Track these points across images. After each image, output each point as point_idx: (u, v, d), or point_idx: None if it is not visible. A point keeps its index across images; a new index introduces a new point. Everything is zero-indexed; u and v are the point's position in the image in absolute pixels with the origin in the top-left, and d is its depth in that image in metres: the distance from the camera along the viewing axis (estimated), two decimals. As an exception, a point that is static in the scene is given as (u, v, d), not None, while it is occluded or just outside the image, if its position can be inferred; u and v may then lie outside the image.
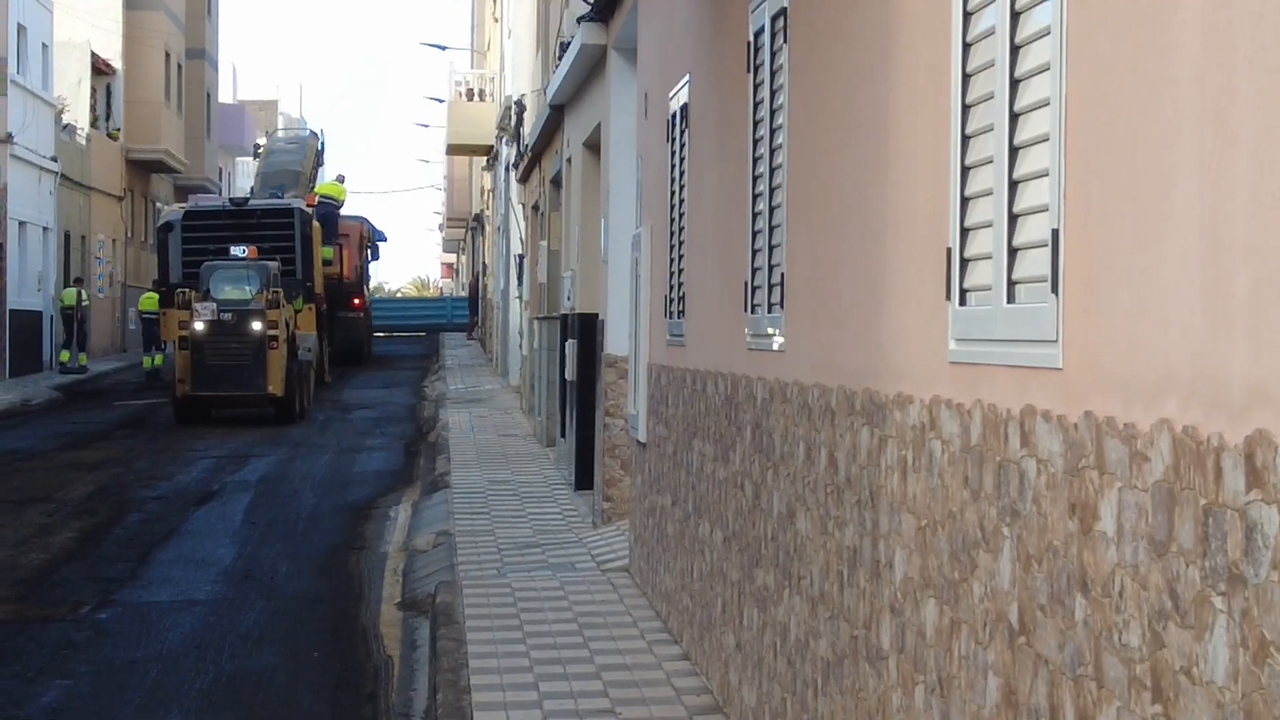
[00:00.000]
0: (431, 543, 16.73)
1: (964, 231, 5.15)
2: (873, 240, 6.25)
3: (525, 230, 32.14)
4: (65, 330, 45.97)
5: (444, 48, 57.78)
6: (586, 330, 19.47)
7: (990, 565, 4.81)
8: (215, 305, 31.25)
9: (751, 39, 8.65)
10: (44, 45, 46.64)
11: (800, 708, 7.32)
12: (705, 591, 10.03)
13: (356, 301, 50.85)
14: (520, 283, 32.83)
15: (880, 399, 6.06)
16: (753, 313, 8.64)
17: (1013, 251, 4.72)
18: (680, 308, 11.32)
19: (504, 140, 38.52)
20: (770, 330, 8.12)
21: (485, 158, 50.68)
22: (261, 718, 10.71)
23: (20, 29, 43.81)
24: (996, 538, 4.76)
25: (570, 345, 20.26)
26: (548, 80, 25.26)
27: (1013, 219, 4.72)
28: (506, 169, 39.97)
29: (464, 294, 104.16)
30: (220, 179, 76.39)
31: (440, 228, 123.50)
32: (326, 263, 44.20)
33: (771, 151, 8.21)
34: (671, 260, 11.81)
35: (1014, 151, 4.72)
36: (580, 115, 19.81)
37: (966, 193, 5.13)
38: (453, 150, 50.79)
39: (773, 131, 8.20)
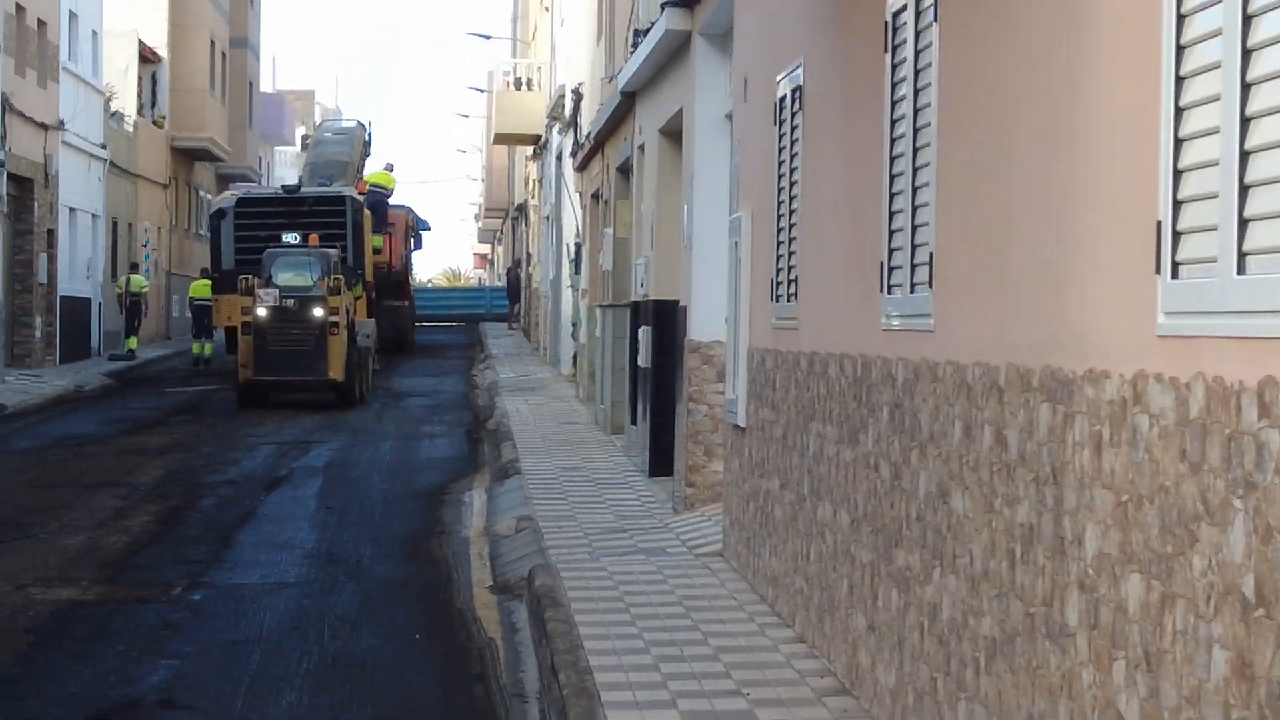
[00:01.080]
0: (513, 528, 16.72)
1: (1176, 204, 5.12)
2: (1053, 216, 6.22)
3: (582, 219, 32.12)
4: (129, 316, 46.19)
5: (488, 37, 57.62)
6: (663, 317, 19.46)
7: (1216, 539, 4.78)
8: (278, 292, 31.49)
9: (890, 19, 8.62)
10: (94, 32, 46.73)
11: (956, 686, 7.29)
12: (826, 574, 10.00)
13: (402, 290, 50.91)
14: (577, 271, 32.81)
15: (1065, 375, 6.03)
16: (890, 293, 8.61)
17: (1243, 223, 4.69)
18: (791, 290, 11.30)
19: (556, 129, 38.49)
20: (915, 311, 8.09)
21: (532, 147, 50.63)
22: (374, 698, 10.68)
23: (71, 16, 43.89)
24: (1225, 510, 4.72)
25: (644, 332, 20.25)
26: (612, 68, 25.27)
27: (1244, 190, 4.69)
28: (559, 158, 39.97)
29: (500, 284, 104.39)
30: (260, 168, 76.51)
31: (476, 218, 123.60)
32: (375, 251, 44.23)
33: (915, 131, 8.18)
34: (779, 244, 11.78)
35: (1245, 122, 4.68)
36: (656, 102, 19.78)
37: (1180, 165, 5.10)
38: (500, 140, 50.77)
39: (916, 111, 8.16)
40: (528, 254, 56.96)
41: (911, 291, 8.18)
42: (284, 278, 32.03)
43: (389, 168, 49.67)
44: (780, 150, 11.75)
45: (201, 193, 64.50)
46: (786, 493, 11.29)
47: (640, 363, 20.50)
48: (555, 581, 12.81)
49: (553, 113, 40.56)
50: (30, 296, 40.33)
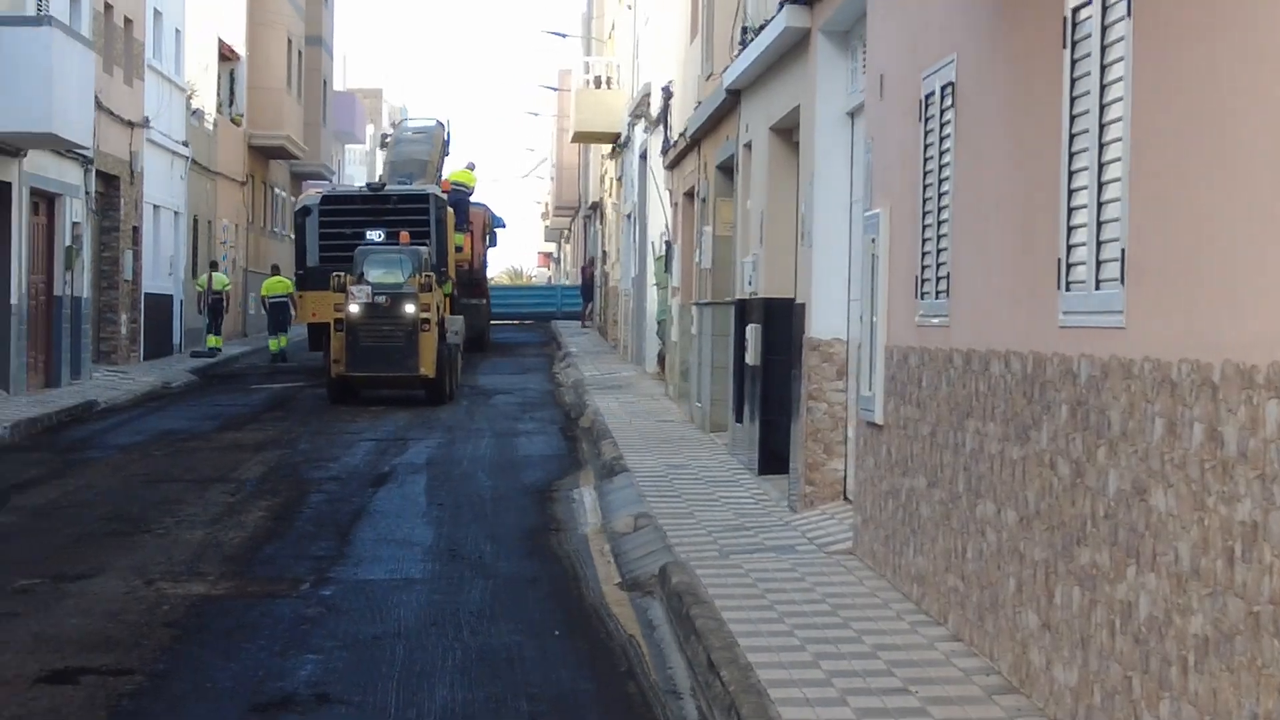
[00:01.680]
0: (632, 525, 16.72)
1: None
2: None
3: (672, 217, 32.11)
4: (211, 314, 46.53)
5: (565, 35, 57.69)
6: (774, 314, 19.47)
7: None
8: (370, 288, 31.70)
9: (1069, 14, 8.58)
10: (176, 31, 46.96)
11: (1158, 685, 7.26)
12: (988, 572, 9.97)
13: (480, 288, 51.05)
14: (667, 269, 32.81)
15: (1299, 371, 5.99)
16: (1068, 290, 8.57)
17: None
18: (941, 288, 11.27)
19: (640, 127, 38.49)
20: (1101, 308, 8.05)
21: (611, 145, 50.65)
22: (527, 693, 10.69)
23: (156, 14, 44.11)
24: None
25: (752, 330, 20.24)
26: (710, 66, 25.25)
27: None
28: (642, 156, 39.98)
29: (564, 281, 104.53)
30: (332, 166, 76.79)
31: (543, 216, 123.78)
32: (457, 249, 44.38)
33: (1101, 126, 8.14)
34: (925, 240, 11.76)
35: None
36: (766, 99, 19.76)
37: None
38: (578, 138, 50.84)
39: (1103, 106, 8.13)
40: (603, 252, 56.99)
41: (1097, 288, 8.14)
42: (376, 275, 32.33)
43: (470, 166, 49.82)
44: (926, 147, 11.72)
45: (277, 190, 64.77)
46: (936, 490, 11.26)
47: (748, 360, 20.49)
48: (693, 579, 12.81)
49: (636, 111, 40.56)
50: (116, 293, 40.56)
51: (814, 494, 16.56)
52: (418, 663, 11.53)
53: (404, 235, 36.31)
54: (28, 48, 28.60)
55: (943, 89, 11.28)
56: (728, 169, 24.22)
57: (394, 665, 11.46)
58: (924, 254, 11.76)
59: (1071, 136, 8.55)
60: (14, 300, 31.64)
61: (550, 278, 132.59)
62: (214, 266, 48.44)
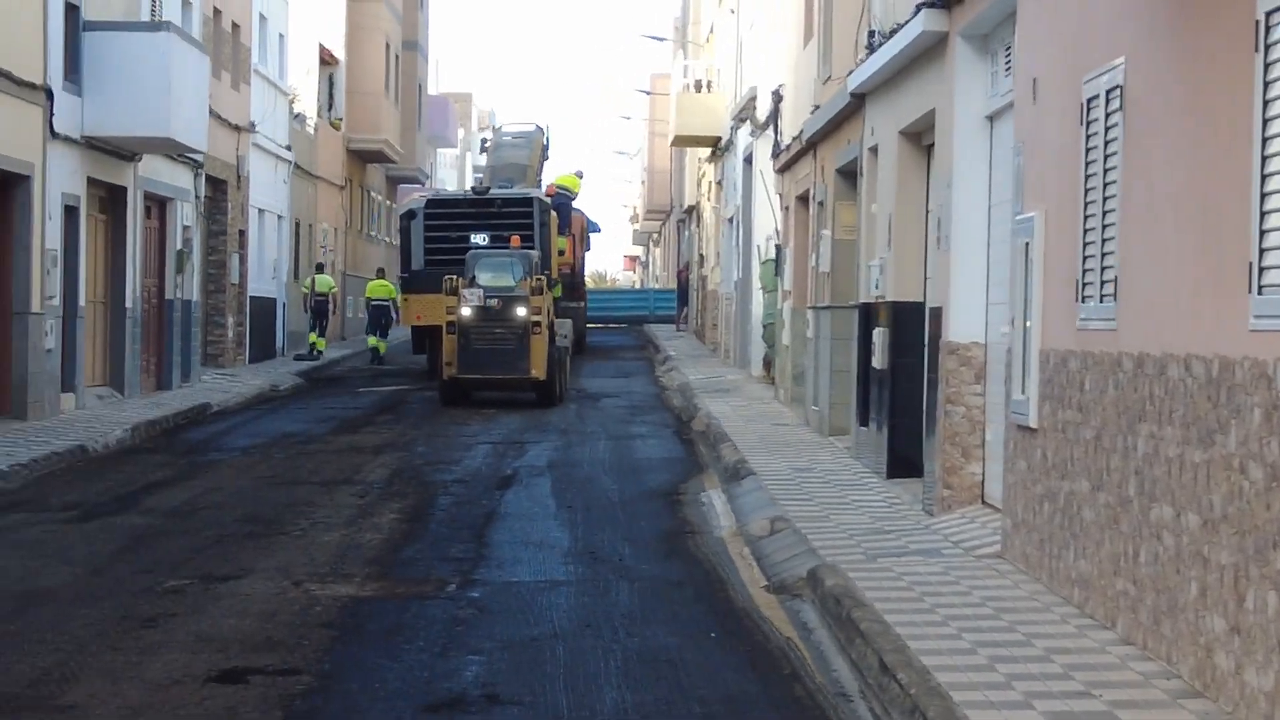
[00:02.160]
0: (768, 528, 16.75)
1: None
2: None
3: (783, 220, 32.11)
4: (315, 316, 46.95)
5: (663, 39, 57.73)
6: (903, 318, 19.48)
7: None
8: (482, 292, 31.93)
9: (1262, 18, 8.57)
10: (280, 35, 47.27)
11: (1372, 690, 7.24)
12: (1165, 576, 9.95)
13: (578, 291, 51.20)
14: (777, 273, 32.81)
15: None
16: (1261, 294, 8.56)
17: None
18: (1106, 291, 11.25)
19: (748, 131, 38.51)
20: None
21: (711, 149, 50.68)
22: (696, 695, 10.73)
23: (261, 19, 44.43)
24: None
25: (880, 333, 20.24)
26: (829, 69, 25.25)
27: None
28: (748, 160, 40.00)
29: (654, 285, 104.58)
30: (427, 170, 77.13)
31: (631, 220, 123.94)
32: (560, 253, 44.50)
33: (1299, 130, 8.13)
34: (1086, 244, 11.74)
35: None
36: (895, 103, 19.75)
37: None
38: (678, 142, 50.90)
39: (1302, 109, 8.11)
40: (700, 256, 57.01)
41: (1296, 292, 8.13)
42: (487, 278, 32.60)
43: (579, 174, 49.96)
44: (1088, 150, 11.70)
45: (373, 194, 65.11)
46: (1102, 494, 11.24)
47: (875, 364, 20.48)
48: (847, 582, 12.83)
49: (740, 114, 40.58)
50: (223, 296, 40.88)
51: (951, 498, 16.55)
52: (580, 664, 11.59)
53: (514, 239, 36.50)
54: (147, 53, 28.88)
55: (1108, 92, 11.26)
56: (848, 173, 24.21)
57: (557, 666, 11.52)
58: (1086, 258, 11.74)
59: (1264, 140, 8.53)
60: (129, 304, 31.95)
61: (635, 282, 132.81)
62: (319, 269, 48.94)
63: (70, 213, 28.66)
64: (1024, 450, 13.42)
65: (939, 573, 13.45)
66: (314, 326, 47.17)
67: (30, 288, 26.65)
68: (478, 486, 21.35)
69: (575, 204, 52.13)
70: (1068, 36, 12.48)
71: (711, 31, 54.18)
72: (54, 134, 27.59)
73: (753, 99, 37.91)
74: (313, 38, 52.52)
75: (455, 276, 33.01)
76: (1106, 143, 11.32)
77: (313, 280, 47.84)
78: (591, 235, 59.57)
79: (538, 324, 32.34)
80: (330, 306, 48.31)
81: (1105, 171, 11.34)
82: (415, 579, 14.96)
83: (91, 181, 29.81)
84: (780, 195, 32.41)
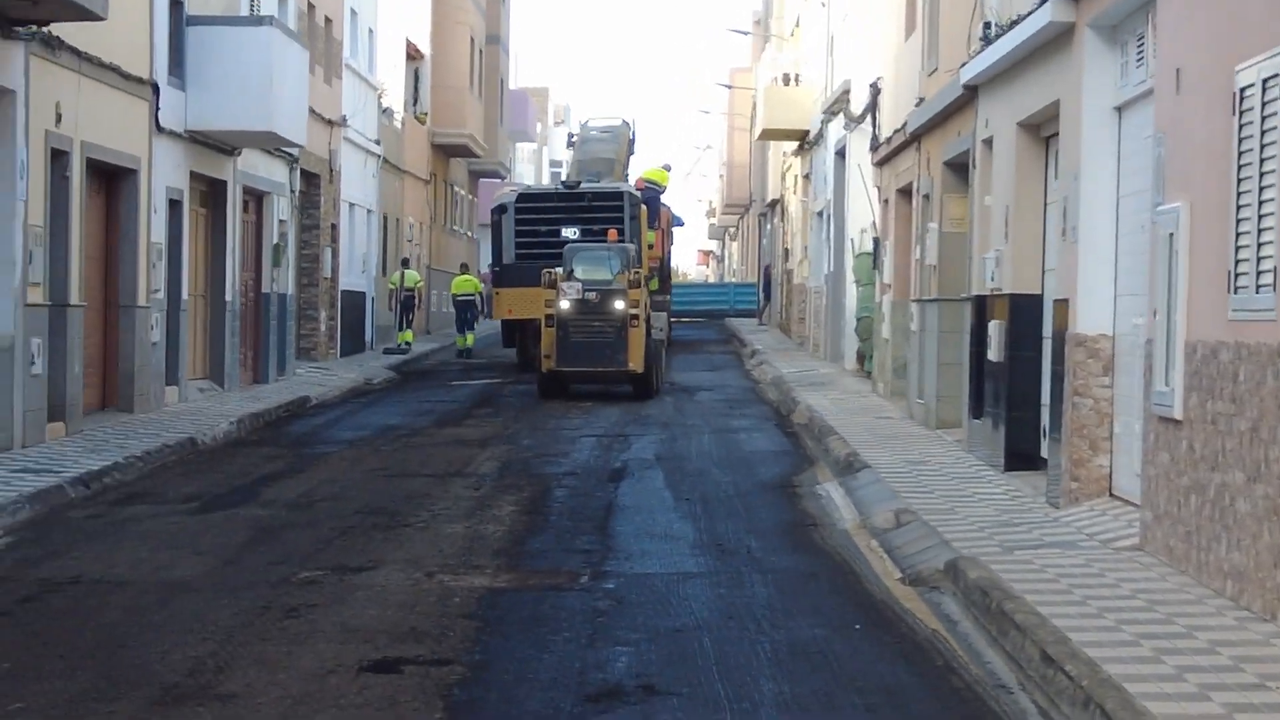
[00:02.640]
0: (893, 521, 16.72)
1: None
2: None
3: (882, 214, 32.03)
4: (402, 310, 47.25)
5: (747, 33, 57.65)
6: (1021, 310, 19.43)
7: None
8: (580, 285, 32.02)
9: None
10: (370, 30, 47.44)
11: None
12: (1334, 568, 9.88)
13: (664, 285, 51.16)
14: (875, 266, 32.73)
15: None
16: None
17: None
18: (1263, 282, 11.18)
19: (841, 124, 38.41)
20: None
21: (798, 142, 50.58)
22: (854, 686, 10.72)
23: (352, 14, 44.58)
24: None
25: (996, 326, 20.18)
26: (934, 62, 25.18)
27: None
28: (839, 153, 39.92)
29: (731, 279, 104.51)
30: (508, 164, 77.26)
31: (708, 214, 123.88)
32: (649, 247, 44.49)
33: None
34: (1240, 235, 11.67)
35: None
36: (1013, 95, 19.67)
37: None
38: (766, 135, 50.83)
39: None
40: (785, 250, 56.93)
41: None
42: (585, 271, 32.66)
43: (667, 167, 50.00)
44: (1242, 140, 11.62)
45: (455, 188, 65.25)
46: (1259, 486, 11.16)
47: (990, 357, 20.42)
48: (991, 574, 12.78)
49: (833, 108, 40.49)
50: (316, 290, 41.04)
51: (1078, 490, 16.47)
52: (729, 655, 11.58)
53: (612, 233, 36.63)
54: (249, 47, 29.02)
55: (1265, 80, 11.19)
56: (956, 165, 24.13)
57: (706, 658, 11.52)
58: (1239, 248, 11.66)
59: None
60: (228, 297, 32.10)
61: (708, 276, 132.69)
62: (405, 264, 49.18)
63: (174, 206, 28.84)
64: (1167, 443, 13.35)
65: (1081, 565, 13.39)
66: (401, 321, 47.41)
67: (137, 281, 26.82)
68: (590, 479, 21.35)
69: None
70: (1216, 26, 12.40)
71: (797, 25, 54.06)
72: (159, 128, 27.74)
73: (846, 92, 37.82)
74: (400, 32, 52.65)
75: (554, 270, 33.07)
76: (1263, 131, 11.24)
77: (401, 275, 48.13)
78: (675, 229, 59.60)
79: (635, 317, 32.51)
80: (416, 301, 48.61)
81: (1262, 161, 11.26)
82: (546, 570, 14.97)
83: (193, 175, 29.99)
84: (878, 188, 32.32)
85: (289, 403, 30.79)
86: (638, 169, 50.46)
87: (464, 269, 55.30)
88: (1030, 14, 17.70)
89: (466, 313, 49.70)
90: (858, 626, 12.56)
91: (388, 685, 10.79)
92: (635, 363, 32.62)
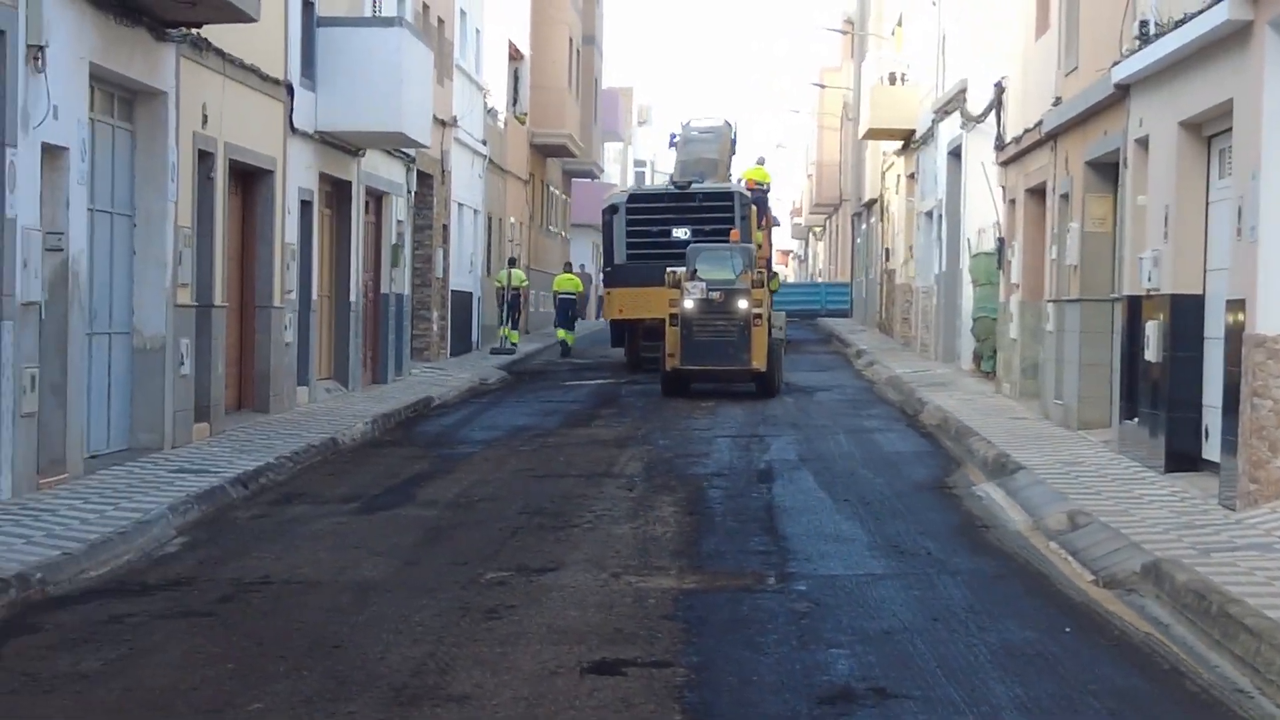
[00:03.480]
0: (1068, 523, 16.65)
1: None
2: None
3: (1007, 214, 31.88)
4: (509, 310, 47.51)
5: (844, 32, 57.51)
6: (1180, 311, 19.34)
7: None
8: (704, 285, 32.20)
9: None
10: (477, 31, 47.54)
11: None
12: None
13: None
14: (999, 266, 32.58)
15: None
16: None
17: None
18: None
19: (958, 123, 38.24)
20: None
21: (902, 142, 50.42)
22: (1085, 689, 10.67)
23: (462, 14, 44.68)
24: None
25: (1154, 326, 20.07)
26: (1073, 60, 25.06)
27: None
28: (953, 152, 39.78)
29: (817, 279, 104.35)
30: (601, 164, 77.34)
31: (793, 215, 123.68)
32: (757, 247, 44.45)
33: None
34: None
35: None
36: (1174, 94, 19.53)
37: None
38: (871, 135, 50.64)
39: None
40: (886, 250, 56.78)
41: None
42: (709, 272, 32.93)
43: (760, 161, 49.97)
44: None
45: (551, 189, 65.34)
46: None
47: (1148, 357, 20.29)
48: (1200, 576, 12.69)
49: (946, 107, 40.34)
50: (429, 291, 41.15)
51: (1257, 492, 16.34)
52: (948, 657, 11.54)
53: (734, 233, 36.79)
54: (380, 48, 29.12)
55: None
56: (1100, 164, 24.02)
57: (925, 660, 11.48)
58: None
59: None
60: (352, 298, 32.21)
61: (787, 276, 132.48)
62: (512, 263, 49.45)
63: (304, 207, 28.95)
64: (1374, 444, 13.22)
65: (1287, 567, 13.29)
66: (506, 320, 47.64)
67: (273, 282, 26.94)
68: (739, 480, 21.31)
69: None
70: None
71: (899, 24, 53.89)
72: (293, 129, 27.85)
73: (962, 91, 37.67)
74: (502, 33, 52.74)
75: (677, 270, 33.25)
76: None
77: (508, 274, 48.36)
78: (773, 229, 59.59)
79: (758, 316, 32.82)
80: (522, 300, 48.92)
81: None
82: (730, 572, 14.95)
83: (321, 176, 30.09)
84: (1003, 188, 32.17)
85: (414, 403, 30.88)
86: (741, 169, 50.43)
87: (566, 268, 55.58)
88: (1201, 12, 17.58)
89: (568, 311, 50.16)
90: (1068, 630, 12.48)
91: (615, 687, 10.79)
92: (758, 361, 32.86)
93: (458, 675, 11.07)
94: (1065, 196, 25.85)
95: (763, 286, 33.46)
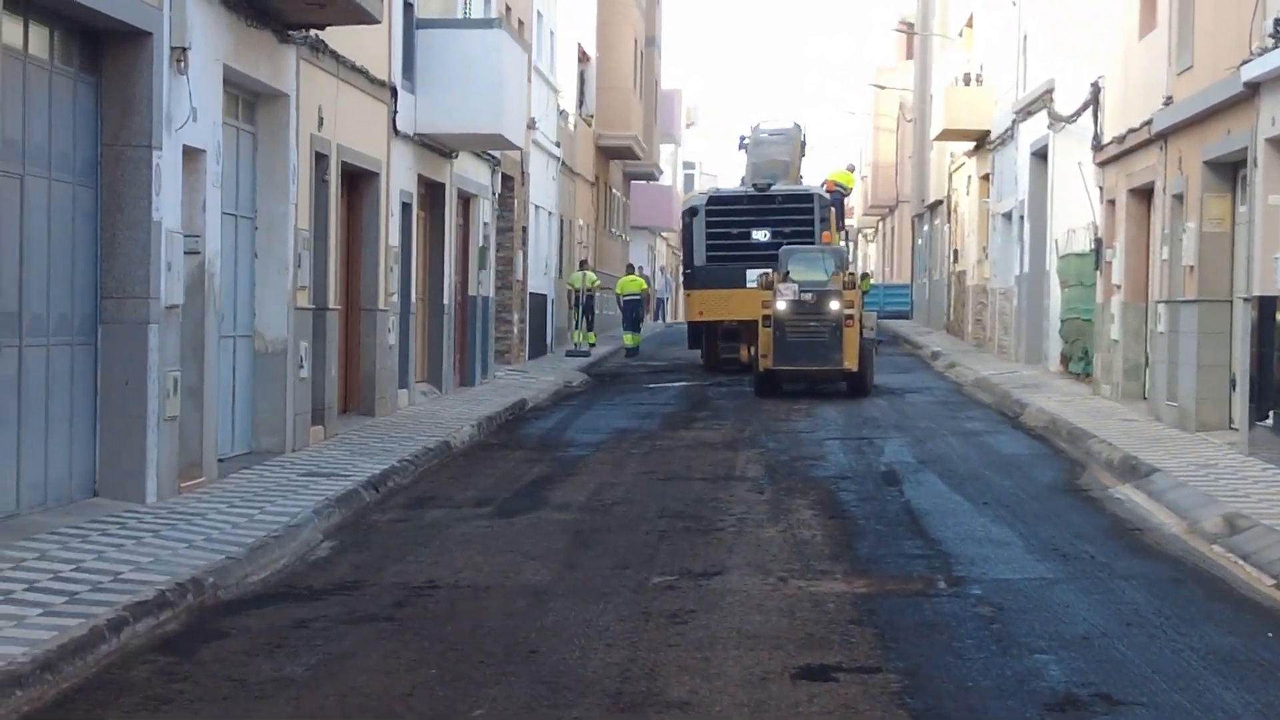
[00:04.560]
0: (1224, 526, 16.46)
1: None
2: None
3: (1106, 214, 31.67)
4: (583, 312, 47.67)
5: (915, 32, 57.31)
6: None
7: None
8: (797, 287, 32.49)
9: None
10: (551, 33, 47.43)
11: None
12: None
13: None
14: (1097, 267, 32.38)
15: None
16: None
17: None
18: None
19: (1045, 123, 38.05)
20: None
21: (975, 143, 50.22)
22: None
23: (539, 16, 44.59)
24: None
25: (1297, 326, 19.91)
26: (1186, 60, 24.86)
27: None
28: (1036, 153, 39.59)
29: (864, 282, 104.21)
30: (662, 166, 77.25)
31: (846, 215, 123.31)
32: (833, 248, 44.41)
33: None
34: None
35: None
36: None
37: None
38: (945, 136, 50.42)
39: None
40: (955, 251, 56.57)
41: None
42: (801, 273, 33.18)
43: (850, 168, 49.92)
44: None
45: (614, 191, 65.23)
46: None
47: (1289, 358, 20.13)
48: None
49: (1029, 107, 40.16)
50: (510, 293, 41.06)
51: None
52: (1159, 663, 11.40)
53: (826, 236, 36.79)
54: (479, 49, 29.04)
55: None
56: (1218, 164, 23.83)
57: (1137, 666, 11.35)
58: None
59: None
60: (445, 300, 32.13)
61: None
62: (584, 265, 49.59)
63: (404, 209, 28.87)
64: None
65: None
66: (580, 322, 47.79)
67: (377, 284, 26.85)
68: (866, 483, 21.13)
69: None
70: None
71: (968, 25, 53.69)
72: (396, 131, 27.77)
73: (1049, 91, 37.50)
74: (572, 35, 52.66)
75: (770, 271, 33.49)
76: None
77: (582, 276, 48.56)
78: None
79: (850, 317, 33.12)
80: (594, 302, 49.25)
81: None
82: (897, 576, 14.80)
83: (418, 178, 30.01)
84: (1100, 188, 31.97)
85: (511, 405, 30.80)
86: (825, 170, 50.33)
87: (630, 269, 55.65)
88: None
89: (634, 312, 50.33)
90: (1270, 634, 12.33)
91: (833, 693, 10.66)
92: (850, 361, 33.16)
93: (668, 681, 10.95)
94: (1179, 196, 25.64)
95: (854, 288, 33.77)
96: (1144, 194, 28.91)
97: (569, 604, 13.48)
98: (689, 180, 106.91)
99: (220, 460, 20.03)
